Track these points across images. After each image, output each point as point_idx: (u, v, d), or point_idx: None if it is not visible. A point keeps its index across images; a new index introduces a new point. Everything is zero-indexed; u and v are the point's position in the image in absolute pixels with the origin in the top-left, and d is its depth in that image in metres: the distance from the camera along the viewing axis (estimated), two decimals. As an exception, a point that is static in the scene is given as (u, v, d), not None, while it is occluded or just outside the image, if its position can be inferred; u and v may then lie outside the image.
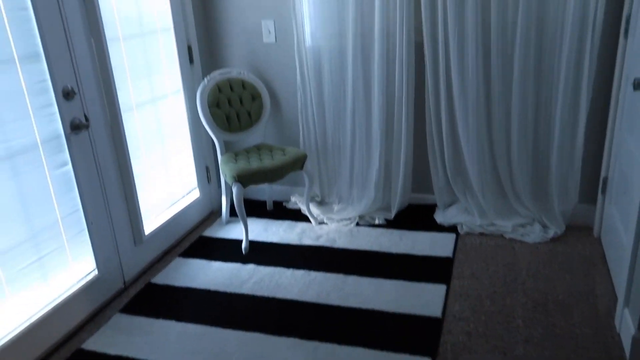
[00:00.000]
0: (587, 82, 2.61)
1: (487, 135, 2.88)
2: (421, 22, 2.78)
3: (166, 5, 2.89)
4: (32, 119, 2.05)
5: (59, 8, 2.13)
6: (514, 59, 2.69)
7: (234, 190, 2.79)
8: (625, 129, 2.38)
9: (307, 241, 2.93)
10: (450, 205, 3.10)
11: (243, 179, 2.77)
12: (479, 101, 2.80)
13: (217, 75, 3.08)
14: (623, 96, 2.45)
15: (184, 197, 3.15)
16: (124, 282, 2.61)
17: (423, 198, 3.23)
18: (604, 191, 2.72)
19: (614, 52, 2.57)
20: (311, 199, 3.31)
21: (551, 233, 2.78)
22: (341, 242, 2.89)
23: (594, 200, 2.84)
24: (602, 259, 2.57)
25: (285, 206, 3.40)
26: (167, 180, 2.97)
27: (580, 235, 2.80)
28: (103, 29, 2.38)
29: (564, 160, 2.79)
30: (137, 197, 2.65)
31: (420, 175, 3.16)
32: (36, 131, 2.07)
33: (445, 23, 2.73)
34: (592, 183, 2.83)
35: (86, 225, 2.34)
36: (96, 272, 2.42)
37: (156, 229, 2.83)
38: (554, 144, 2.76)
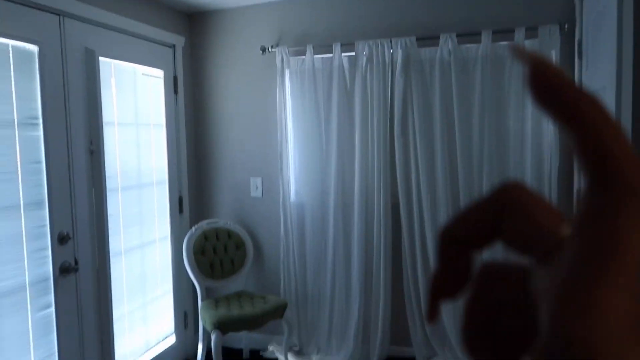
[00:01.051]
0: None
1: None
2: (397, 186, 3.06)
3: (164, 161, 3.17)
4: (25, 262, 2.14)
5: (69, 162, 2.35)
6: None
7: (213, 337, 2.79)
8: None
9: (283, 396, 2.86)
10: (429, 359, 3.10)
11: (223, 326, 2.79)
12: (451, 258, 2.97)
13: (204, 225, 3.25)
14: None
15: (159, 342, 3.11)
16: None
17: (402, 351, 3.22)
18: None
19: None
20: (289, 348, 3.28)
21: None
22: (317, 398, 2.82)
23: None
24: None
25: (262, 355, 3.35)
26: (144, 325, 2.96)
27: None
28: (105, 181, 2.59)
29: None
30: (113, 342, 2.63)
31: (399, 328, 3.20)
32: (27, 273, 2.15)
33: (419, 188, 3.01)
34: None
35: (58, 371, 2.30)
36: None
37: (128, 378, 2.76)
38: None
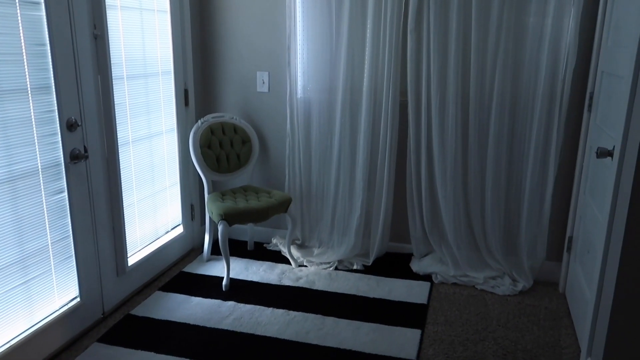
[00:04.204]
0: (555, 150, 2.85)
1: (463, 193, 3.07)
2: (406, 84, 3.01)
3: (169, 51, 3.07)
4: (36, 146, 2.14)
5: (73, 46, 2.27)
6: (490, 126, 2.92)
7: (220, 228, 2.88)
8: (589, 193, 2.60)
9: (287, 282, 3.01)
10: (425, 255, 3.24)
11: (229, 218, 2.87)
12: (457, 161, 3.01)
13: (210, 119, 3.23)
14: (587, 163, 2.68)
15: (167, 232, 3.21)
16: (103, 312, 2.63)
17: (400, 247, 3.36)
18: (569, 250, 2.91)
19: (579, 124, 2.83)
20: (292, 241, 3.41)
21: (520, 287, 2.93)
22: (320, 285, 2.98)
23: (560, 258, 3.03)
24: (566, 313, 2.71)
25: (266, 247, 3.49)
26: (153, 214, 3.04)
27: (547, 290, 2.96)
28: (110, 68, 2.52)
29: (533, 219, 2.98)
30: (124, 229, 2.71)
31: (398, 225, 3.31)
32: (38, 158, 2.15)
33: (429, 87, 2.97)
34: (559, 242, 3.02)
35: (74, 252, 2.39)
36: (79, 299, 2.45)
37: (139, 261, 2.88)
38: (524, 204, 2.97)
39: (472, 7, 2.80)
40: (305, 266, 3.21)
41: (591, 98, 2.68)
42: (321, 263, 3.21)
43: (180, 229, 3.32)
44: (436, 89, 2.94)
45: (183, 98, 3.25)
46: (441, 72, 2.92)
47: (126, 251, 2.74)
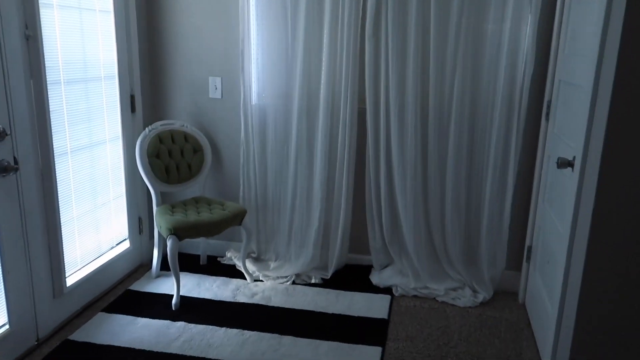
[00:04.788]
0: (514, 158, 2.82)
1: (423, 203, 3.00)
2: (364, 91, 2.92)
3: (112, 54, 2.87)
4: (-44, 158, 1.92)
5: (1, 48, 2.05)
6: (449, 134, 2.87)
7: (169, 243, 2.70)
8: (547, 202, 2.57)
9: (242, 298, 2.86)
10: (385, 266, 3.15)
11: (179, 232, 2.70)
12: (417, 170, 2.93)
13: (159, 126, 3.04)
14: (545, 172, 2.66)
15: (112, 248, 3.00)
16: (37, 339, 2.39)
17: (359, 259, 3.26)
18: (528, 259, 2.88)
19: (537, 132, 2.81)
20: (247, 255, 3.26)
21: (480, 298, 2.88)
22: (277, 301, 2.84)
23: (519, 268, 3.00)
24: (527, 324, 2.68)
25: (219, 261, 3.32)
26: (96, 229, 2.83)
27: (507, 300, 2.92)
28: (44, 72, 2.31)
29: (493, 229, 2.94)
30: (62, 246, 2.49)
31: (358, 236, 3.21)
32: (-41, 171, 1.93)
33: (387, 94, 2.89)
34: (518, 251, 2.99)
35: (1, 274, 2.16)
36: (7, 327, 2.21)
37: (79, 281, 2.66)
38: (484, 213, 2.92)
39: (431, 13, 2.74)
40: (261, 281, 3.06)
41: (549, 106, 2.66)
42: (278, 277, 3.07)
43: (126, 244, 3.11)
44: (395, 96, 2.87)
45: (129, 104, 3.05)
46: (400, 78, 2.85)
47: (64, 271, 2.51)
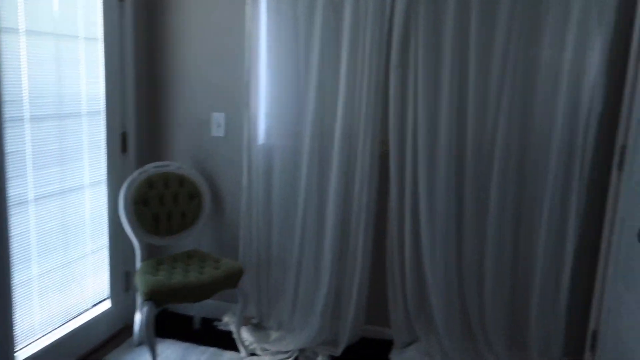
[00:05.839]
0: (575, 219, 2.23)
1: (457, 269, 2.44)
2: (388, 131, 2.43)
3: (99, 87, 2.52)
4: None
5: None
6: (491, 185, 2.33)
7: (144, 310, 2.26)
8: (622, 282, 1.96)
9: (231, 381, 2.37)
10: (409, 344, 2.58)
11: (157, 297, 2.26)
12: (449, 229, 2.39)
13: (151, 169, 2.65)
14: (617, 242, 2.04)
15: (87, 310, 2.58)
16: None
17: (378, 332, 2.70)
18: (593, 348, 2.25)
19: (606, 186, 2.21)
20: (246, 320, 2.77)
21: (529, 397, 2.26)
22: (271, 387, 2.32)
23: (580, 357, 2.36)
24: None
25: (215, 325, 2.85)
26: (65, 289, 2.43)
27: (565, 401, 2.28)
28: (2, 107, 1.96)
29: (546, 306, 2.34)
30: (11, 314, 2.08)
31: (376, 305, 2.66)
32: None
33: (415, 135, 2.39)
34: (579, 336, 2.36)
35: None
36: None
37: (37, 354, 2.23)
38: (534, 286, 2.33)
39: (470, 38, 2.24)
40: (258, 355, 2.56)
41: (623, 153, 2.07)
42: (278, 352, 2.55)
43: (107, 304, 2.70)
44: (424, 137, 2.36)
45: (119, 143, 2.69)
46: (431, 116, 2.35)
47: (12, 343, 2.10)
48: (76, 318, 2.51)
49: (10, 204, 2.06)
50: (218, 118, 2.78)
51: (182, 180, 2.71)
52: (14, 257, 2.10)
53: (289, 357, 2.53)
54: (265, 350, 2.57)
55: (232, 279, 2.47)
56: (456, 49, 2.27)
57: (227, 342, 2.67)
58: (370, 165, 2.47)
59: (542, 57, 2.21)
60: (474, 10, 2.21)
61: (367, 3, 2.33)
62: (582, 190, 2.22)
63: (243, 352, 2.56)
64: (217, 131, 2.79)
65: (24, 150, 2.13)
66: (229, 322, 2.81)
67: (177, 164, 2.75)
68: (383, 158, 2.50)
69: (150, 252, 2.78)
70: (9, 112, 2.03)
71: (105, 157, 2.61)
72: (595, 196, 2.25)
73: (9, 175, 2.05)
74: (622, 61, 2.11)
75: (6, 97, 2.01)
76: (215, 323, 2.86)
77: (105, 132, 2.60)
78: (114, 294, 2.73)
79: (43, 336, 2.31)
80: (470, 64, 2.27)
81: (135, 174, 2.59)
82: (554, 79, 2.19)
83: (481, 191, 2.36)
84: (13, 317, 2.10)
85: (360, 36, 2.39)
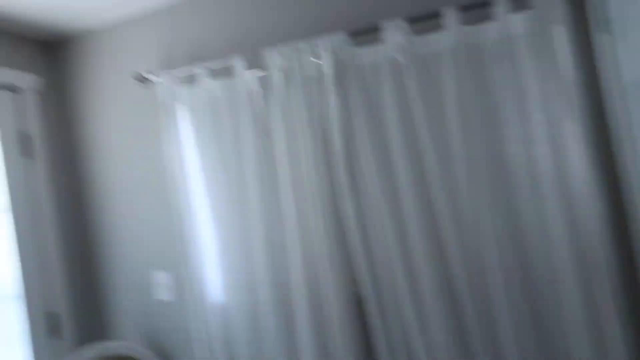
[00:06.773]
0: None
1: None
2: (356, 267, 1.93)
3: (7, 268, 2.15)
4: None
5: None
6: (498, 320, 1.75)
7: None
8: None
9: None
10: None
11: None
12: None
13: (84, 354, 2.16)
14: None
15: None
16: None
17: None
18: None
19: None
20: None
21: None
22: None
23: None
24: None
25: None
26: None
27: None
28: None
29: None
30: None
31: None
32: None
33: (391, 268, 1.87)
34: None
35: None
36: None
37: None
38: None
39: (421, 139, 1.82)
40: None
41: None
42: None
43: None
44: (401, 267, 1.84)
45: (47, 328, 2.24)
46: (400, 240, 1.85)
47: None
48: None
49: None
50: (160, 277, 2.33)
51: (125, 364, 2.20)
52: None
53: None
54: None
55: None
56: (408, 152, 1.82)
57: None
58: (343, 312, 1.92)
59: (510, 154, 1.73)
60: (418, 107, 1.80)
61: (299, 119, 1.95)
62: (614, 317, 1.62)
63: None
64: (162, 294, 2.33)
65: None
66: None
67: (120, 342, 2.25)
68: (359, 301, 1.96)
69: None
70: None
71: (30, 346, 2.15)
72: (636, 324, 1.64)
73: None
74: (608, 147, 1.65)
75: None
76: None
77: (27, 317, 2.17)
78: None
79: None
80: (427, 167, 1.81)
81: (65, 365, 2.11)
82: (530, 184, 1.70)
83: (488, 326, 1.78)
84: None
85: (299, 156, 1.98)
